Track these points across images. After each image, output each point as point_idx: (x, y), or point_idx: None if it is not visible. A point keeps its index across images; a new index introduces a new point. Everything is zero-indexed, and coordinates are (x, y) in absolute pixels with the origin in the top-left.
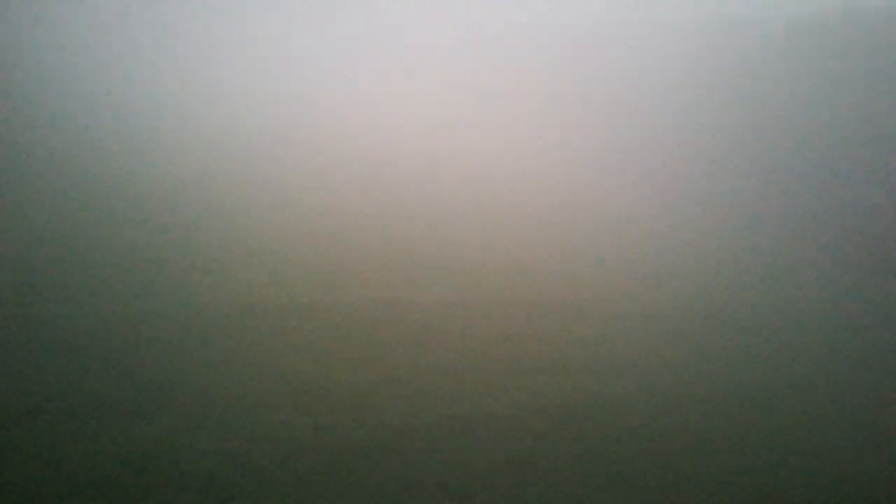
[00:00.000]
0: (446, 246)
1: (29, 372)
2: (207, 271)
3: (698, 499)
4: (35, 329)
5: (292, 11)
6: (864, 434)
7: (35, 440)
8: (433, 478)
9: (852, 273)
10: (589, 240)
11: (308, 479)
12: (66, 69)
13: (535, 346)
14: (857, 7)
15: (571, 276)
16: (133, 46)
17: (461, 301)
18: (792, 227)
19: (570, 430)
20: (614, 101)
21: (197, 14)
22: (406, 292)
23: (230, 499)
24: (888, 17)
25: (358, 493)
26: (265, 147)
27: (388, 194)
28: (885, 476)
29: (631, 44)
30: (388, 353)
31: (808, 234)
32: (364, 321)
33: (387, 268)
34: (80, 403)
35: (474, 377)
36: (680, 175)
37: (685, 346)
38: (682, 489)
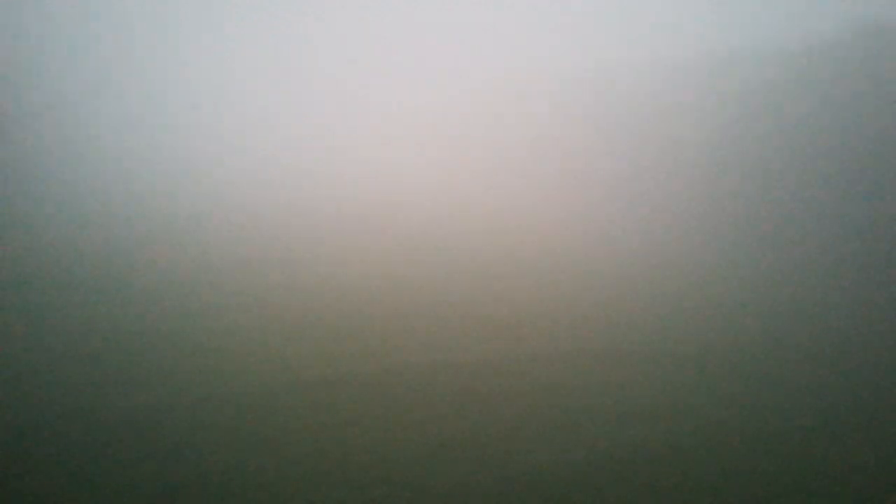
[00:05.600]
0: (475, 304)
1: (70, 473)
2: (240, 352)
3: None
4: (76, 425)
5: (285, 70)
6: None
7: None
8: None
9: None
10: (611, 285)
11: None
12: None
13: (579, 397)
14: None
15: (602, 324)
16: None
17: (500, 358)
18: (814, 240)
19: (627, 481)
20: (622, 145)
21: (193, 88)
22: (444, 353)
23: None
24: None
25: None
26: (267, 220)
27: (403, 254)
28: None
29: (633, 87)
30: (433, 418)
31: (830, 247)
32: (407, 386)
33: (421, 330)
34: (118, 495)
35: (522, 434)
36: (693, 212)
37: (730, 383)
38: None
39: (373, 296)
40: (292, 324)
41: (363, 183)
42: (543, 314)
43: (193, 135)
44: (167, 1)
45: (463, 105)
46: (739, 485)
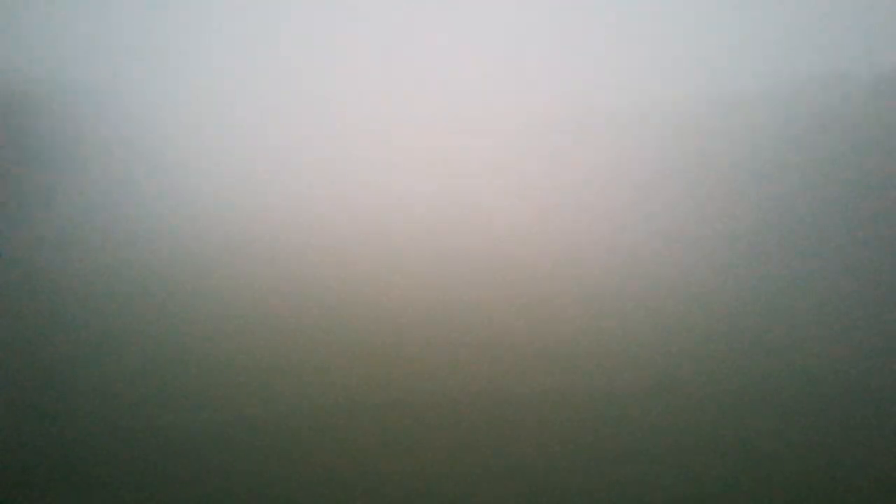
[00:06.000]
0: (535, 334)
1: (121, 482)
2: (305, 370)
3: None
4: (130, 446)
5: (296, 70)
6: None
7: None
8: None
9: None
10: (665, 319)
11: None
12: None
13: (636, 433)
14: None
15: (660, 358)
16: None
17: (559, 390)
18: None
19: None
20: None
21: (192, 89)
22: (504, 381)
23: None
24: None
25: None
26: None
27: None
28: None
29: (645, 121)
30: (488, 448)
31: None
32: (463, 414)
33: (476, 359)
34: None
35: (588, 466)
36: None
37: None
38: None
39: (430, 322)
40: (347, 347)
41: (389, 197)
42: (604, 346)
43: (195, 142)
44: (169, 2)
45: (471, 110)
46: None
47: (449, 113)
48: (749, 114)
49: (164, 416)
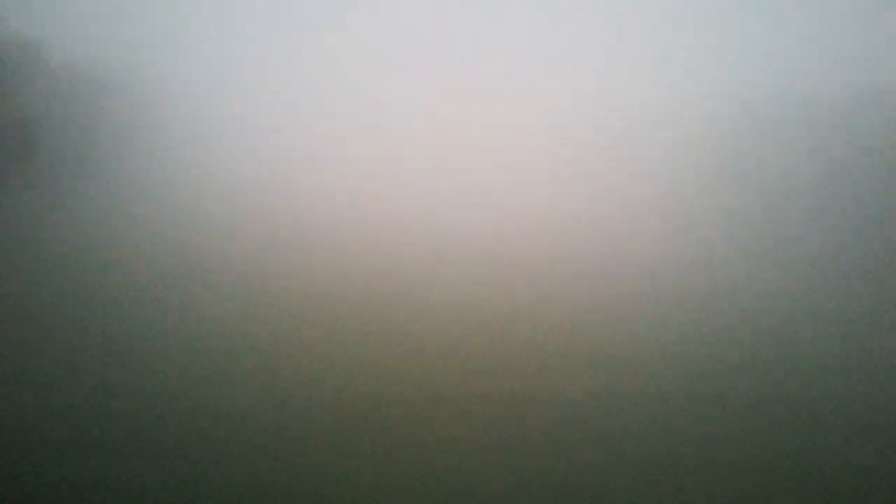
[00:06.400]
0: (577, 337)
1: (158, 465)
2: (351, 362)
3: None
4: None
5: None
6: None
7: None
8: None
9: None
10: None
11: None
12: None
13: (678, 446)
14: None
15: (707, 368)
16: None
17: (601, 392)
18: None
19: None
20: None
21: (199, 91)
22: (547, 382)
23: None
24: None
25: None
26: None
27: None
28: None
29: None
30: (526, 448)
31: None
32: (505, 413)
33: (519, 360)
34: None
35: (613, 474)
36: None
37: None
38: None
39: (451, 320)
40: (400, 340)
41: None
42: (652, 353)
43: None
44: (178, 3)
45: (481, 108)
46: None
47: (464, 111)
48: (765, 116)
49: (208, 396)
